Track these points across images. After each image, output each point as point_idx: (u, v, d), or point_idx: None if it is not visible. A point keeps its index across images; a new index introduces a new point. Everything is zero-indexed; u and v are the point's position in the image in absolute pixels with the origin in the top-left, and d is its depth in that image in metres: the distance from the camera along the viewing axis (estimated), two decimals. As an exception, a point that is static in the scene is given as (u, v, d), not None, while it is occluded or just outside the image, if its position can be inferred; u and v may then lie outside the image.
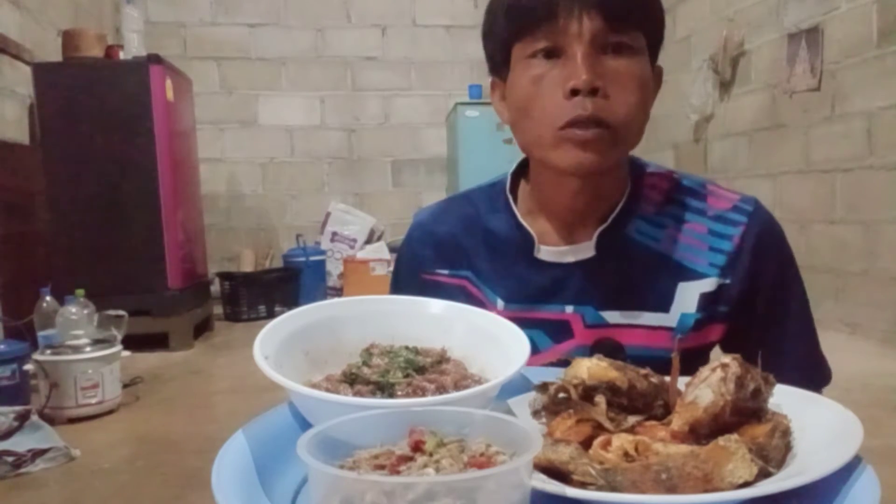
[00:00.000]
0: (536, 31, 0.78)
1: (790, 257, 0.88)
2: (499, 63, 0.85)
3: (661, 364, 0.69)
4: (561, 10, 0.76)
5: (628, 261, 0.85)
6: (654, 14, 0.82)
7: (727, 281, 0.84)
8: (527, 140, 0.83)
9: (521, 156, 0.90)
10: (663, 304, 0.84)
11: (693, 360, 0.68)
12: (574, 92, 0.76)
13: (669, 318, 0.84)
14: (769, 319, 0.85)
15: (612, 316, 0.85)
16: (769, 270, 0.85)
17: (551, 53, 0.78)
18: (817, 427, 0.51)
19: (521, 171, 0.92)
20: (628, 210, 0.86)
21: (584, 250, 0.86)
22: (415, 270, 0.95)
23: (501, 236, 0.90)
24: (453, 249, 0.93)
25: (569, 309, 0.86)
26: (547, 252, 0.87)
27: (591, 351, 0.82)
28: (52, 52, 3.71)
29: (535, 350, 0.77)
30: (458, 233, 0.93)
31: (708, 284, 0.84)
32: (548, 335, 0.85)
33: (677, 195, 0.87)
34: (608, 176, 0.84)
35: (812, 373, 0.86)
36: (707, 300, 0.84)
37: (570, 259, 0.86)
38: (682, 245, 0.85)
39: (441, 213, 0.97)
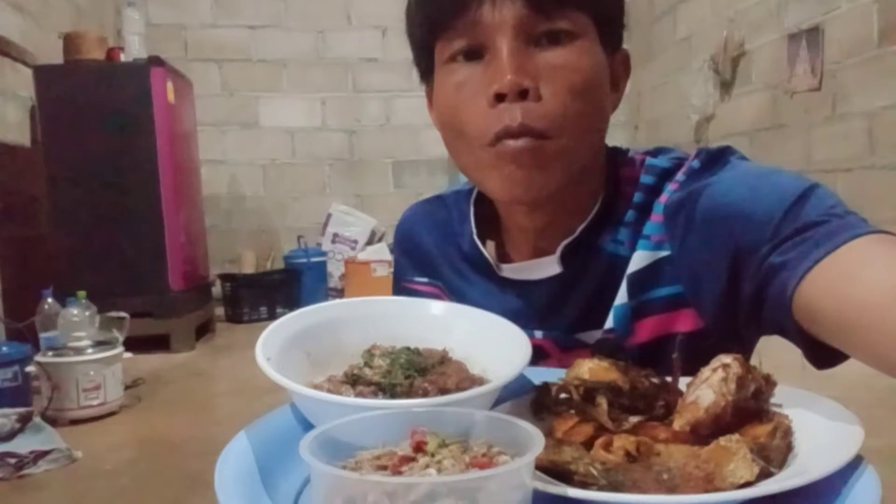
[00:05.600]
0: (452, 28, 0.66)
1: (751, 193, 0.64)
2: (424, 70, 0.74)
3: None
4: None
5: (599, 274, 0.72)
6: None
7: (665, 253, 0.69)
8: (458, 162, 0.71)
9: None
10: None
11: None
12: (499, 97, 0.63)
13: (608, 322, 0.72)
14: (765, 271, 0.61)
15: (589, 336, 0.73)
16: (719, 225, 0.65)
17: (473, 53, 0.66)
18: (818, 427, 0.51)
19: None
20: (602, 218, 0.73)
21: (549, 266, 0.74)
22: (399, 280, 0.90)
23: (466, 252, 0.81)
24: (427, 259, 0.85)
25: (538, 334, 0.74)
26: (510, 270, 0.77)
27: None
28: (53, 55, 3.71)
29: None
30: (432, 242, 0.85)
31: (637, 261, 0.70)
32: None
33: (649, 181, 0.73)
34: (567, 195, 0.71)
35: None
36: (638, 281, 0.70)
37: (535, 276, 0.75)
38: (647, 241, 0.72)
39: (421, 218, 0.88)
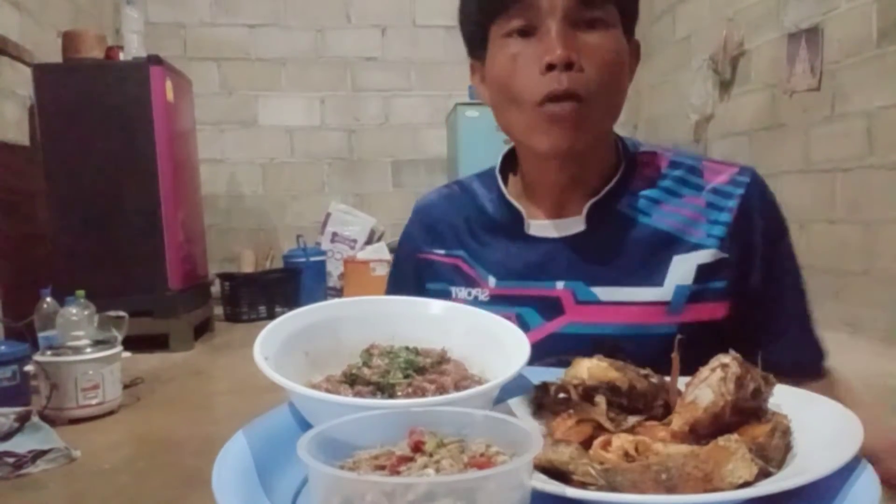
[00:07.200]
0: (510, 10, 0.80)
1: (785, 229, 0.88)
2: (476, 45, 0.87)
3: (656, 342, 0.76)
4: None
5: (620, 235, 0.85)
6: None
7: (726, 255, 0.83)
8: (508, 120, 0.84)
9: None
10: (657, 279, 0.83)
11: (695, 342, 0.66)
12: (550, 67, 0.77)
13: (663, 293, 0.83)
14: (765, 294, 0.84)
15: (603, 292, 0.84)
16: (764, 241, 0.84)
17: (526, 31, 0.80)
18: (817, 427, 0.51)
19: (512, 155, 0.94)
20: (621, 185, 0.87)
21: (575, 224, 0.87)
22: (411, 252, 0.98)
23: (491, 214, 0.92)
24: (447, 230, 0.95)
25: (559, 285, 0.86)
26: (537, 227, 0.88)
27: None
28: (52, 54, 3.71)
29: (526, 328, 0.78)
30: (452, 214, 0.96)
31: (706, 255, 0.84)
32: (539, 312, 0.86)
33: (672, 171, 0.88)
34: (591, 155, 0.85)
35: (807, 350, 0.86)
36: (705, 272, 0.83)
37: (560, 234, 0.87)
38: (679, 219, 0.85)
39: (437, 199, 1.00)
